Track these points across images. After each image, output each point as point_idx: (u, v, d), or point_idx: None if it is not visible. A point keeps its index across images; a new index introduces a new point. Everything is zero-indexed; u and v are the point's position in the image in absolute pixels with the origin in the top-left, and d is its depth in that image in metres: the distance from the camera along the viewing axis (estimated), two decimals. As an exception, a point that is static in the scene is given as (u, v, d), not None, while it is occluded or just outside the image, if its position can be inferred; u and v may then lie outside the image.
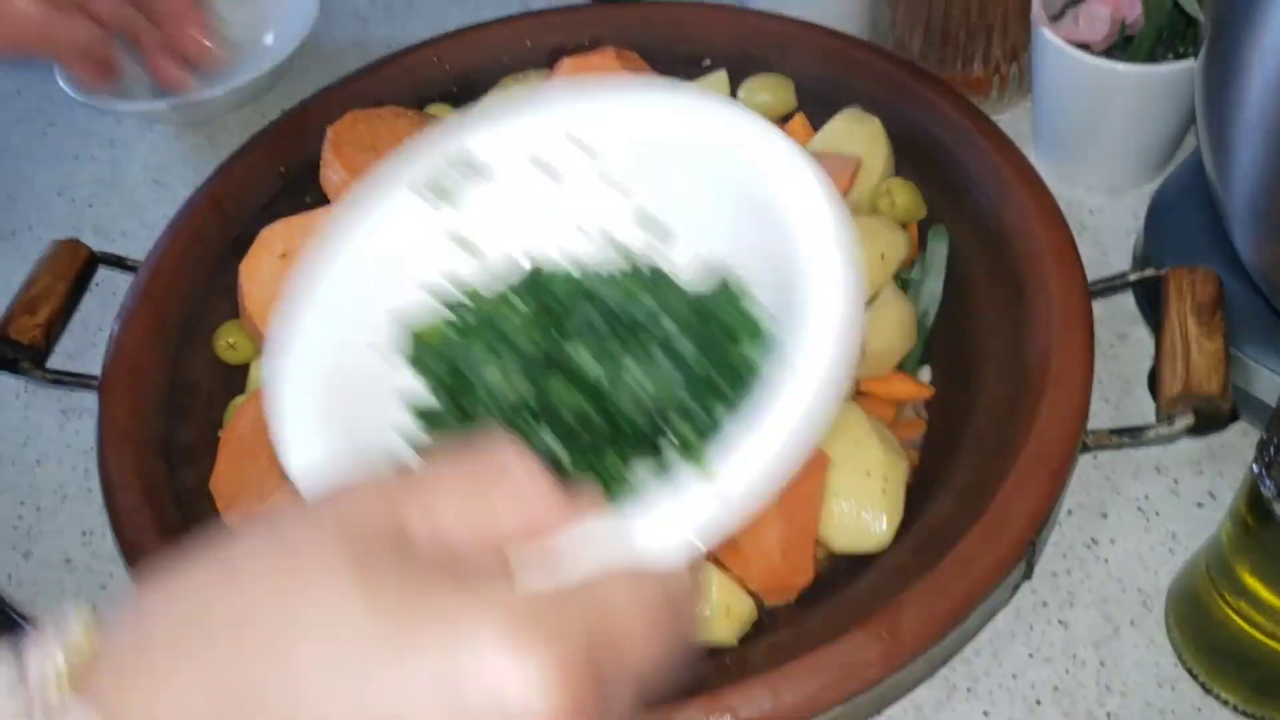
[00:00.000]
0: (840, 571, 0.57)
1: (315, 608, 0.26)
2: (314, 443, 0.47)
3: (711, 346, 0.49)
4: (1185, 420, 0.56)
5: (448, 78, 0.79)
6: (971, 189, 0.67)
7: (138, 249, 0.86)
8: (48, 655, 0.26)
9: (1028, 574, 0.57)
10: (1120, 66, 0.70)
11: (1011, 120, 0.82)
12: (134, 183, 0.92)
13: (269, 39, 0.97)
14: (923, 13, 0.79)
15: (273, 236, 0.66)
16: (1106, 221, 0.77)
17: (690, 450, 0.46)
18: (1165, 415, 0.57)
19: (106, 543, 0.68)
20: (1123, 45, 0.72)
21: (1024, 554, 0.52)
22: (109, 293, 0.81)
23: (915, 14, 0.79)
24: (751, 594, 0.55)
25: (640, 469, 0.47)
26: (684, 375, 0.48)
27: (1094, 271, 0.63)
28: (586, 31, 0.80)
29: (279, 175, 0.74)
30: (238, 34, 0.97)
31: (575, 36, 0.80)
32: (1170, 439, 0.57)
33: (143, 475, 0.60)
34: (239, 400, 0.66)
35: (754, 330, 0.49)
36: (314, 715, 0.25)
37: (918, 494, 0.58)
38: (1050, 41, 0.72)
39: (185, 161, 0.92)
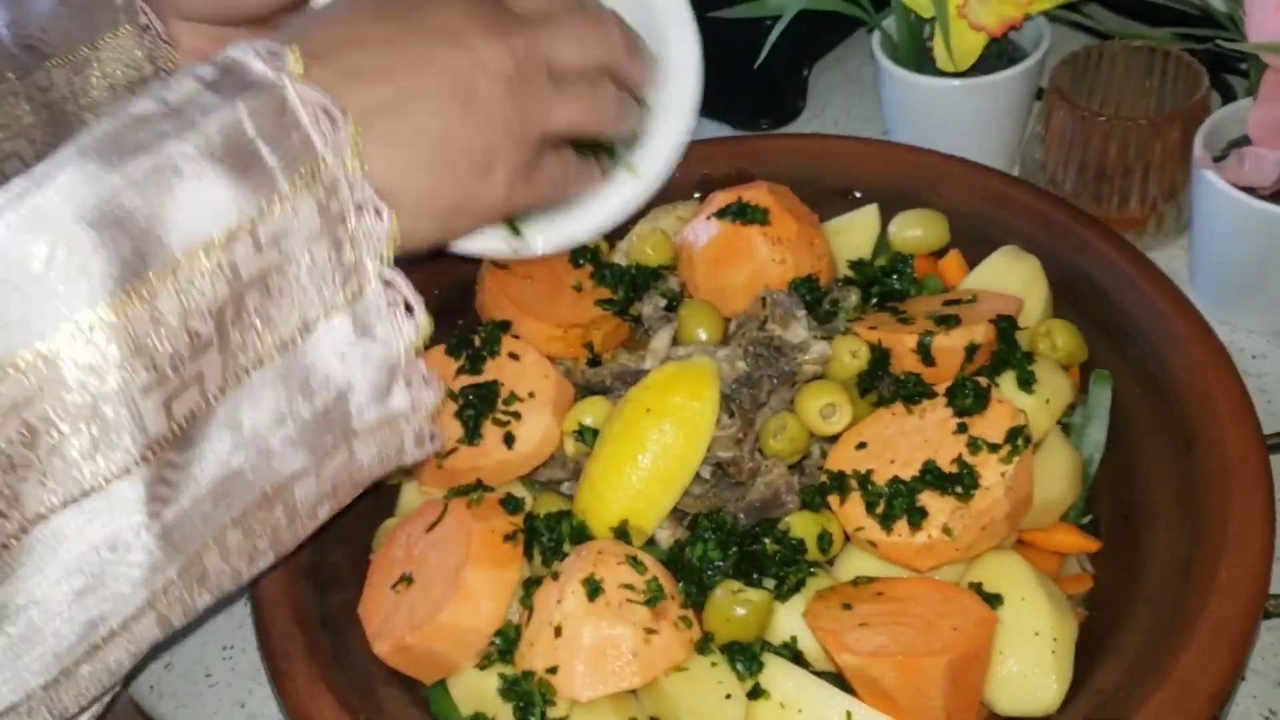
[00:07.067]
0: (1004, 735, 0.54)
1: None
2: None
3: None
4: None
5: (598, 205, 0.80)
6: (1134, 335, 0.65)
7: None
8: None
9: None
10: (1289, 213, 0.68)
11: (1167, 259, 0.80)
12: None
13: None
14: (1078, 150, 0.78)
15: (428, 363, 0.66)
16: (1270, 368, 0.74)
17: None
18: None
19: (246, 658, 0.69)
20: (1291, 190, 0.71)
21: (1207, 733, 0.50)
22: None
23: (1070, 151, 0.78)
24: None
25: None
26: None
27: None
28: (735, 163, 0.81)
29: (432, 298, 0.74)
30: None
31: (723, 168, 0.80)
32: (1359, 611, 0.55)
33: (291, 596, 0.61)
34: (390, 523, 0.66)
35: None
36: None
37: (1084, 654, 0.56)
38: (1213, 184, 0.71)
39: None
